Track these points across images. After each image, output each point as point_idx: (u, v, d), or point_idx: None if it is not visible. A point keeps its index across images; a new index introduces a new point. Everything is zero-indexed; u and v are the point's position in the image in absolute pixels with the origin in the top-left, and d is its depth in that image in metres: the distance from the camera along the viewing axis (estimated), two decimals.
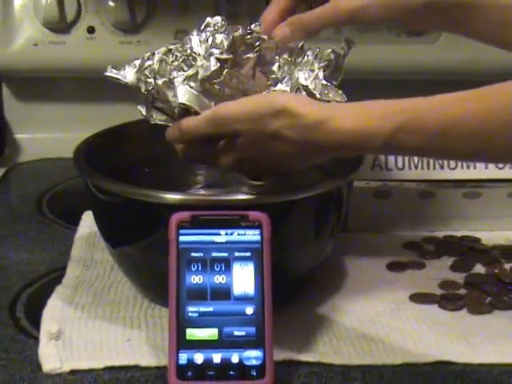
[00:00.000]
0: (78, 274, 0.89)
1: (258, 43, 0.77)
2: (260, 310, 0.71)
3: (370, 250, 0.94)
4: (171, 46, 0.79)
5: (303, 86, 0.77)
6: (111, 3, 1.17)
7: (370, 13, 0.79)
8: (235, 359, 0.70)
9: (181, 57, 0.78)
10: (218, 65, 0.75)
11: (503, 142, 0.65)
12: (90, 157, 0.84)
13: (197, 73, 0.76)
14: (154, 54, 0.79)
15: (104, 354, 0.75)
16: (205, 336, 0.70)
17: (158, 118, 0.79)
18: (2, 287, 0.87)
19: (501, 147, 0.66)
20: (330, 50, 0.80)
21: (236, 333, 0.71)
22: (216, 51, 0.76)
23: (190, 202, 0.77)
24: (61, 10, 1.16)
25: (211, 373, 0.70)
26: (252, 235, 0.73)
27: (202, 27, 0.80)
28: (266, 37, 0.78)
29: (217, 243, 0.73)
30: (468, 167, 0.98)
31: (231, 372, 0.70)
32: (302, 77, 0.78)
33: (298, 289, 0.84)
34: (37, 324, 0.79)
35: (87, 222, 0.97)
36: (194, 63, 0.77)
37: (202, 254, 0.72)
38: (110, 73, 0.81)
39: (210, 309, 0.71)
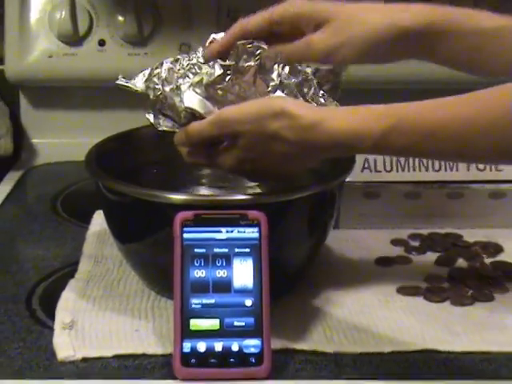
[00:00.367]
0: (90, 268, 0.88)
1: (258, 52, 0.77)
2: (258, 301, 0.71)
3: (360, 246, 0.94)
4: (179, 56, 0.79)
5: (301, 92, 0.78)
6: (120, 18, 1.17)
7: (344, 52, 0.76)
8: (235, 348, 0.70)
9: (187, 65, 0.78)
10: (222, 71, 0.76)
11: (485, 144, 0.65)
12: (100, 160, 0.84)
13: (202, 79, 0.76)
14: (162, 64, 0.79)
15: (113, 343, 0.75)
16: (207, 326, 0.71)
17: (165, 125, 0.79)
18: (19, 281, 0.87)
19: (483, 149, 0.66)
20: (327, 68, 0.79)
21: (236, 323, 0.71)
22: (220, 60, 0.76)
23: (194, 202, 0.77)
24: (74, 24, 1.16)
25: (213, 360, 0.70)
26: (251, 232, 0.73)
27: (207, 43, 0.80)
28: (266, 46, 0.78)
29: (218, 240, 0.73)
30: (451, 169, 0.98)
31: (232, 359, 0.70)
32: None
33: (293, 282, 0.84)
34: (51, 315, 0.79)
35: (98, 220, 0.97)
36: (199, 71, 0.77)
37: (204, 250, 0.72)
38: (121, 81, 0.81)
39: (212, 301, 0.71)
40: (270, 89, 0.78)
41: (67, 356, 0.73)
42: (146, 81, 0.79)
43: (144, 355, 0.73)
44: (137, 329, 0.77)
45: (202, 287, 0.71)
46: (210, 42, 0.80)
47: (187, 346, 0.70)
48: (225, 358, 0.70)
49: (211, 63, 0.77)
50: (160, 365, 0.72)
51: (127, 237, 0.84)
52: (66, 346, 0.74)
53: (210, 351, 0.70)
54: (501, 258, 0.93)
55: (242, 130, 0.72)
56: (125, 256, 0.86)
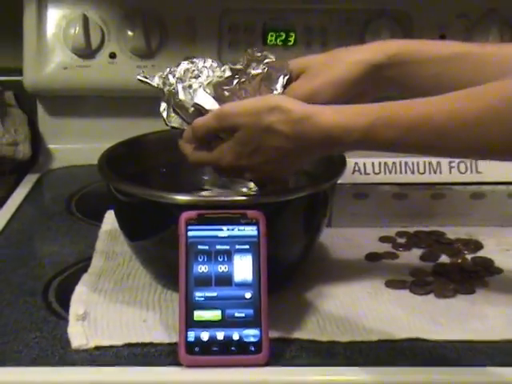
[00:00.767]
0: (102, 264, 0.88)
1: (266, 61, 0.78)
2: (257, 294, 0.71)
3: (351, 243, 0.94)
4: (195, 59, 0.80)
5: None
6: (130, 33, 1.17)
7: (323, 95, 0.77)
8: (236, 337, 0.70)
9: (202, 67, 0.79)
10: (230, 73, 0.77)
11: (467, 139, 0.65)
12: (111, 164, 0.84)
13: (212, 80, 0.77)
14: (179, 64, 0.80)
15: (123, 333, 0.75)
16: (210, 317, 0.70)
17: (175, 122, 0.79)
18: (36, 275, 0.87)
19: (464, 144, 0.65)
20: None
21: (237, 314, 0.71)
22: (230, 63, 0.78)
23: (197, 203, 0.77)
24: (87, 38, 1.16)
25: (215, 348, 0.70)
26: (250, 230, 0.73)
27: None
28: (273, 57, 0.79)
29: (220, 237, 0.73)
30: (435, 172, 0.98)
31: (232, 348, 0.70)
32: None
33: (289, 276, 0.84)
34: (66, 307, 0.79)
35: (109, 219, 0.97)
36: (211, 73, 0.78)
37: (207, 247, 0.72)
38: (141, 77, 0.81)
39: (215, 294, 0.71)
40: None
41: (81, 345, 0.73)
42: (162, 77, 0.80)
43: (151, 344, 0.73)
44: (145, 319, 0.77)
45: (205, 281, 0.71)
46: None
47: (191, 335, 0.70)
48: (226, 347, 0.70)
49: (222, 67, 0.78)
50: (166, 353, 0.72)
51: (136, 235, 0.84)
52: (79, 335, 0.74)
53: (212, 340, 0.70)
54: (481, 254, 0.93)
55: (240, 123, 0.72)
56: (134, 252, 0.86)
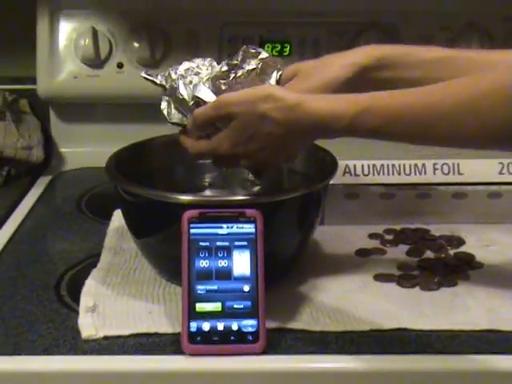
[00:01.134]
0: (110, 259, 0.88)
1: (260, 57, 0.78)
2: (255, 287, 0.71)
3: (342, 240, 0.94)
4: (196, 59, 0.80)
5: None
6: (136, 44, 1.17)
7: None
8: (235, 327, 0.70)
9: (202, 65, 0.79)
10: (227, 68, 0.77)
11: (447, 129, 0.64)
12: (118, 166, 0.84)
13: (211, 75, 0.77)
14: (181, 63, 0.80)
15: (130, 323, 0.75)
16: (211, 308, 0.70)
17: (175, 118, 0.79)
18: (48, 270, 0.87)
19: (445, 133, 0.65)
20: None
21: (236, 306, 0.70)
22: (227, 59, 0.79)
23: (199, 202, 0.77)
24: (96, 49, 1.16)
25: (216, 338, 0.70)
26: (248, 228, 0.73)
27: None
28: (267, 54, 0.79)
29: (220, 235, 0.73)
30: (420, 173, 0.98)
31: (232, 337, 0.70)
32: None
33: (285, 271, 0.84)
34: (77, 300, 0.79)
35: (117, 218, 0.96)
36: (210, 69, 0.79)
37: (208, 243, 0.72)
38: (144, 74, 0.81)
39: (215, 287, 0.71)
40: None
41: (90, 335, 0.73)
42: (165, 76, 0.80)
43: (156, 334, 0.73)
44: (150, 311, 0.77)
45: (206, 275, 0.71)
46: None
47: (193, 326, 0.70)
48: (226, 336, 0.70)
49: (220, 64, 0.78)
50: (170, 342, 0.72)
51: (142, 232, 0.84)
52: (89, 326, 0.74)
53: (213, 330, 0.70)
54: (463, 249, 0.92)
55: (236, 111, 0.72)
56: (140, 249, 0.86)
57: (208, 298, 0.71)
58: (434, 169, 0.98)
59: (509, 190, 0.98)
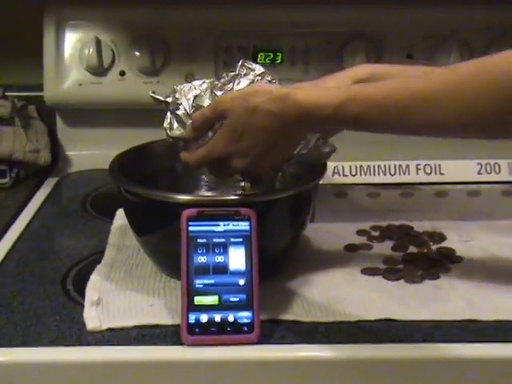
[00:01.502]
0: (113, 256, 0.88)
1: (256, 72, 0.78)
2: (249, 281, 0.71)
3: (331, 236, 0.94)
4: (197, 80, 0.80)
5: None
6: (137, 53, 1.16)
7: None
8: (231, 318, 0.70)
9: (204, 82, 0.79)
10: (225, 79, 0.77)
11: (421, 115, 0.63)
12: (121, 168, 0.84)
13: (210, 86, 0.77)
14: (185, 83, 0.79)
15: (133, 316, 0.74)
16: (208, 301, 0.70)
17: (177, 131, 0.78)
18: (55, 266, 0.86)
19: (420, 119, 0.64)
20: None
21: (232, 299, 0.70)
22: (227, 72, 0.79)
23: (197, 202, 0.77)
24: (99, 58, 1.16)
25: (213, 329, 0.70)
26: (243, 226, 0.73)
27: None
28: (263, 69, 0.78)
29: (217, 232, 0.72)
30: (404, 173, 0.98)
31: (228, 328, 0.70)
32: None
33: (278, 265, 0.84)
34: (82, 294, 0.78)
35: (120, 216, 0.96)
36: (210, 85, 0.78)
37: (205, 240, 0.72)
38: (151, 94, 0.82)
39: (212, 281, 0.71)
40: None
41: (95, 327, 0.72)
42: (171, 94, 0.80)
43: (157, 325, 0.73)
44: (151, 304, 0.77)
45: (203, 270, 0.71)
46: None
47: (192, 318, 0.70)
48: (223, 327, 0.69)
49: (220, 77, 0.79)
50: (170, 333, 0.72)
51: (143, 230, 0.83)
52: (94, 318, 0.73)
53: (210, 322, 0.70)
54: (444, 244, 0.92)
55: (229, 107, 0.72)
56: (141, 245, 0.85)
57: (206, 291, 0.70)
58: (417, 169, 0.98)
59: (487, 189, 0.98)
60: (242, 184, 0.82)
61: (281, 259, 0.84)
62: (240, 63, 0.78)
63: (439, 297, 0.79)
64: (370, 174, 0.97)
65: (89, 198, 1.08)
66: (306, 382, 0.70)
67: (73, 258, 0.88)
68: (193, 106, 0.77)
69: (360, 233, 0.95)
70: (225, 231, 0.72)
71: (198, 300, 0.70)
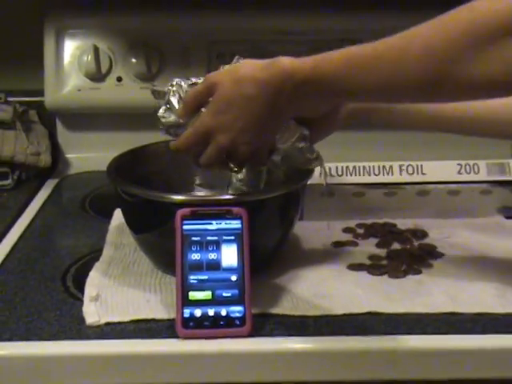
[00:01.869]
0: (111, 253, 0.87)
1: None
2: (241, 277, 0.71)
3: (319, 234, 0.94)
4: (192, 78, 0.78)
5: None
6: (134, 60, 1.16)
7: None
8: (224, 313, 0.70)
9: (198, 78, 0.77)
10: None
11: (382, 73, 0.63)
12: (118, 169, 0.83)
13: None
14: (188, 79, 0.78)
15: (130, 311, 0.74)
16: (202, 296, 0.70)
17: (169, 120, 0.76)
18: (56, 264, 0.86)
19: (380, 78, 0.64)
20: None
21: (224, 294, 0.70)
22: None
23: (191, 201, 0.77)
24: (97, 65, 1.15)
25: (207, 323, 0.69)
26: (235, 224, 0.72)
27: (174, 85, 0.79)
28: None
29: (210, 230, 0.72)
30: (388, 174, 0.97)
31: (221, 322, 0.69)
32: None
33: (268, 262, 0.83)
34: (81, 290, 0.78)
35: (118, 216, 0.95)
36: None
37: (199, 238, 0.72)
38: (152, 87, 0.80)
39: (206, 277, 0.71)
40: None
41: (94, 321, 0.72)
42: (169, 85, 0.78)
43: (153, 320, 0.73)
44: (148, 299, 0.77)
45: (197, 267, 0.71)
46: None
47: (187, 312, 0.69)
48: (216, 321, 0.69)
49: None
50: (166, 327, 0.72)
51: (140, 229, 0.83)
52: (92, 313, 0.73)
53: (204, 316, 0.69)
54: (426, 241, 0.92)
55: (218, 80, 0.71)
56: (138, 243, 0.85)
57: (199, 287, 0.70)
58: (400, 170, 0.98)
59: (466, 188, 0.98)
60: (234, 181, 0.80)
61: (271, 256, 0.84)
62: (236, 58, 0.77)
63: (421, 291, 0.79)
64: (355, 175, 0.97)
65: (87, 198, 1.08)
66: (296, 372, 0.70)
67: (72, 255, 0.88)
68: (189, 86, 0.76)
69: (346, 230, 0.95)
70: (217, 229, 0.72)
71: (192, 295, 0.70)
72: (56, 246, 0.94)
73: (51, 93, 1.17)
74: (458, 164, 0.98)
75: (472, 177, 0.98)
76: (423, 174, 0.98)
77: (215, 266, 0.71)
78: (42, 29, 1.16)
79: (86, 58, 1.15)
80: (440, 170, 0.98)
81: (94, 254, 0.87)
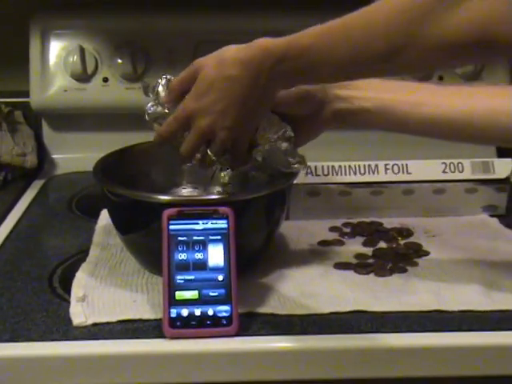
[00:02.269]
0: (98, 254, 0.87)
1: None
2: (228, 276, 0.70)
3: (305, 233, 0.94)
4: None
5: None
6: (119, 60, 1.16)
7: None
8: (211, 312, 0.69)
9: None
10: None
11: (353, 43, 0.64)
12: (104, 170, 0.83)
13: None
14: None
15: (117, 311, 0.74)
16: (189, 296, 0.70)
17: (154, 111, 0.76)
18: (42, 264, 0.85)
19: (352, 48, 0.64)
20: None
21: (211, 293, 0.70)
22: None
23: (177, 201, 0.76)
24: (83, 65, 1.15)
25: (194, 322, 0.69)
26: (221, 224, 0.72)
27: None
28: None
29: (196, 230, 0.72)
30: (373, 173, 0.98)
31: (208, 322, 0.69)
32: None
33: (254, 261, 0.84)
34: (68, 291, 0.78)
35: (104, 216, 0.95)
36: None
37: (185, 238, 0.72)
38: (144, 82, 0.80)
39: (192, 277, 0.71)
40: None
41: (81, 322, 0.72)
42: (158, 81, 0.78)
43: (140, 320, 0.73)
44: (135, 300, 0.76)
45: (184, 266, 0.71)
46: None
47: (174, 312, 0.69)
48: (203, 321, 0.69)
49: None
50: (153, 327, 0.71)
51: (126, 229, 0.83)
52: (79, 314, 0.73)
53: (191, 316, 0.69)
54: (411, 239, 0.93)
55: (202, 63, 0.71)
56: (125, 244, 0.85)
57: (186, 286, 0.70)
58: (386, 169, 0.98)
59: (451, 187, 0.99)
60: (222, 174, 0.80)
61: (257, 255, 0.84)
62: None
63: (407, 289, 0.79)
64: (341, 174, 0.97)
65: (74, 199, 1.07)
66: (283, 371, 0.70)
67: (59, 256, 0.88)
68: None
69: (332, 229, 0.95)
70: (204, 229, 0.72)
71: (179, 295, 0.70)
72: (42, 247, 0.94)
73: (37, 93, 1.16)
74: (443, 163, 0.99)
75: (457, 175, 0.98)
76: (408, 173, 0.98)
77: (202, 265, 0.71)
78: (27, 29, 1.16)
79: (71, 59, 1.15)
80: (425, 169, 0.98)
81: (81, 255, 0.87)
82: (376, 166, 0.98)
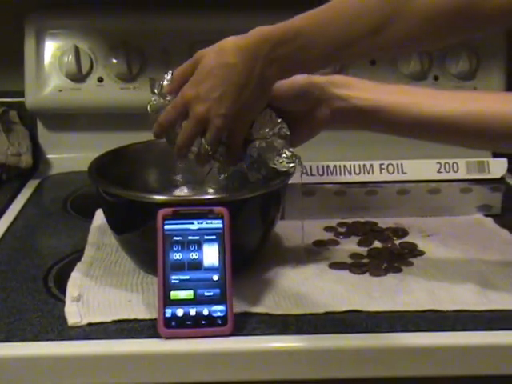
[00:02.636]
0: (93, 254, 0.87)
1: None
2: (223, 276, 0.70)
3: (301, 233, 0.94)
4: None
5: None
6: (114, 60, 1.15)
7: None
8: (206, 312, 0.69)
9: None
10: None
11: (334, 26, 0.67)
12: (99, 170, 0.83)
13: None
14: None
15: (112, 311, 0.74)
16: (184, 296, 0.70)
17: (157, 103, 0.76)
18: (37, 264, 0.85)
19: (339, 31, 0.67)
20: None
21: (206, 293, 0.70)
22: None
23: (172, 201, 0.76)
24: (78, 65, 1.14)
25: (189, 322, 0.69)
26: (217, 224, 0.72)
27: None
28: None
29: (191, 230, 0.72)
30: (368, 173, 0.98)
31: (203, 321, 0.69)
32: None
33: (249, 261, 0.83)
34: (63, 290, 0.78)
35: (99, 216, 0.95)
36: None
37: (181, 238, 0.72)
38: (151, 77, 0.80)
39: (187, 277, 0.70)
40: None
41: (76, 322, 0.72)
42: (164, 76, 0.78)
43: (135, 320, 0.72)
44: (130, 299, 0.76)
45: (179, 266, 0.71)
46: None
47: (169, 312, 0.69)
48: (198, 321, 0.69)
49: None
50: (148, 327, 0.71)
51: (121, 229, 0.83)
52: (74, 314, 0.73)
53: (186, 315, 0.69)
54: (406, 239, 0.93)
55: (204, 53, 0.71)
56: (120, 243, 0.85)
57: (181, 286, 0.70)
58: (381, 169, 0.98)
59: (446, 187, 0.99)
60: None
61: (253, 255, 0.84)
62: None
63: (402, 289, 0.79)
64: (336, 174, 0.97)
65: (69, 198, 1.07)
66: (278, 371, 0.70)
67: (54, 256, 0.87)
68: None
69: (327, 229, 0.95)
70: (199, 229, 0.72)
71: (174, 295, 0.70)
72: (37, 247, 0.93)
73: (32, 93, 1.16)
74: (438, 163, 0.99)
75: (451, 175, 0.99)
76: (403, 173, 0.99)
77: (197, 265, 0.71)
78: (22, 29, 1.15)
79: (66, 59, 1.14)
80: (420, 168, 0.99)
81: (76, 255, 0.87)
82: (371, 165, 0.98)
